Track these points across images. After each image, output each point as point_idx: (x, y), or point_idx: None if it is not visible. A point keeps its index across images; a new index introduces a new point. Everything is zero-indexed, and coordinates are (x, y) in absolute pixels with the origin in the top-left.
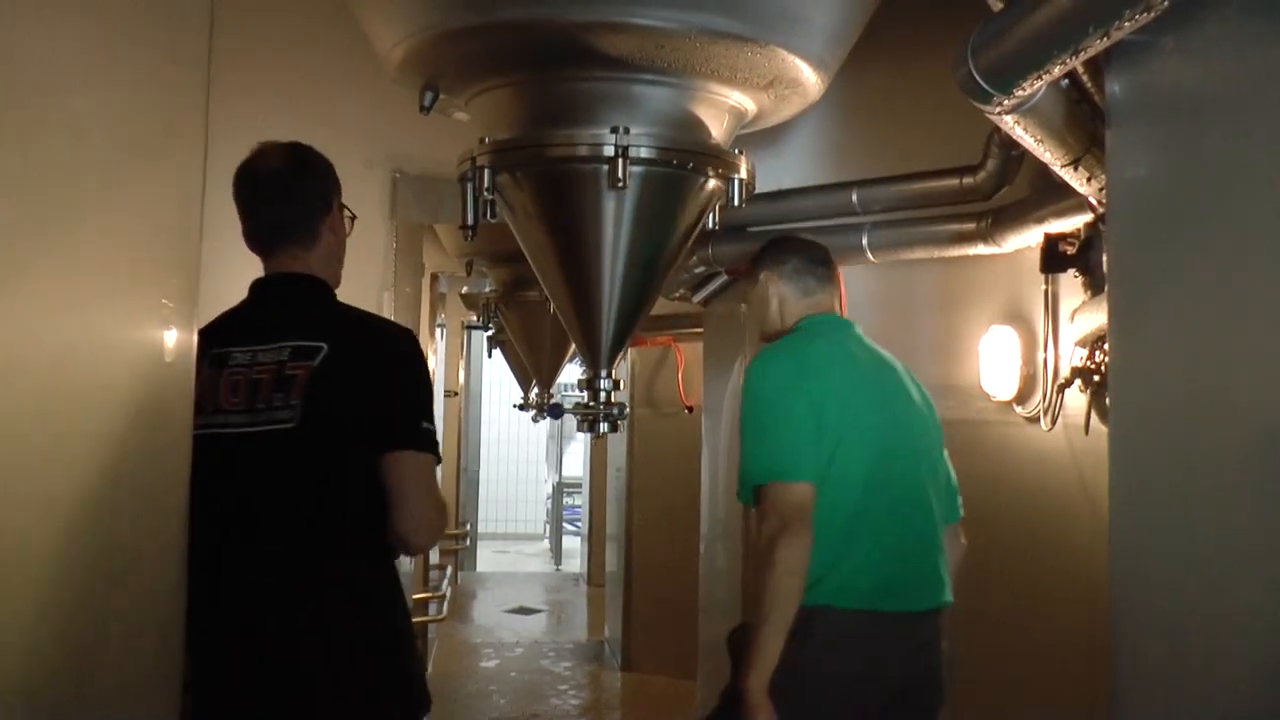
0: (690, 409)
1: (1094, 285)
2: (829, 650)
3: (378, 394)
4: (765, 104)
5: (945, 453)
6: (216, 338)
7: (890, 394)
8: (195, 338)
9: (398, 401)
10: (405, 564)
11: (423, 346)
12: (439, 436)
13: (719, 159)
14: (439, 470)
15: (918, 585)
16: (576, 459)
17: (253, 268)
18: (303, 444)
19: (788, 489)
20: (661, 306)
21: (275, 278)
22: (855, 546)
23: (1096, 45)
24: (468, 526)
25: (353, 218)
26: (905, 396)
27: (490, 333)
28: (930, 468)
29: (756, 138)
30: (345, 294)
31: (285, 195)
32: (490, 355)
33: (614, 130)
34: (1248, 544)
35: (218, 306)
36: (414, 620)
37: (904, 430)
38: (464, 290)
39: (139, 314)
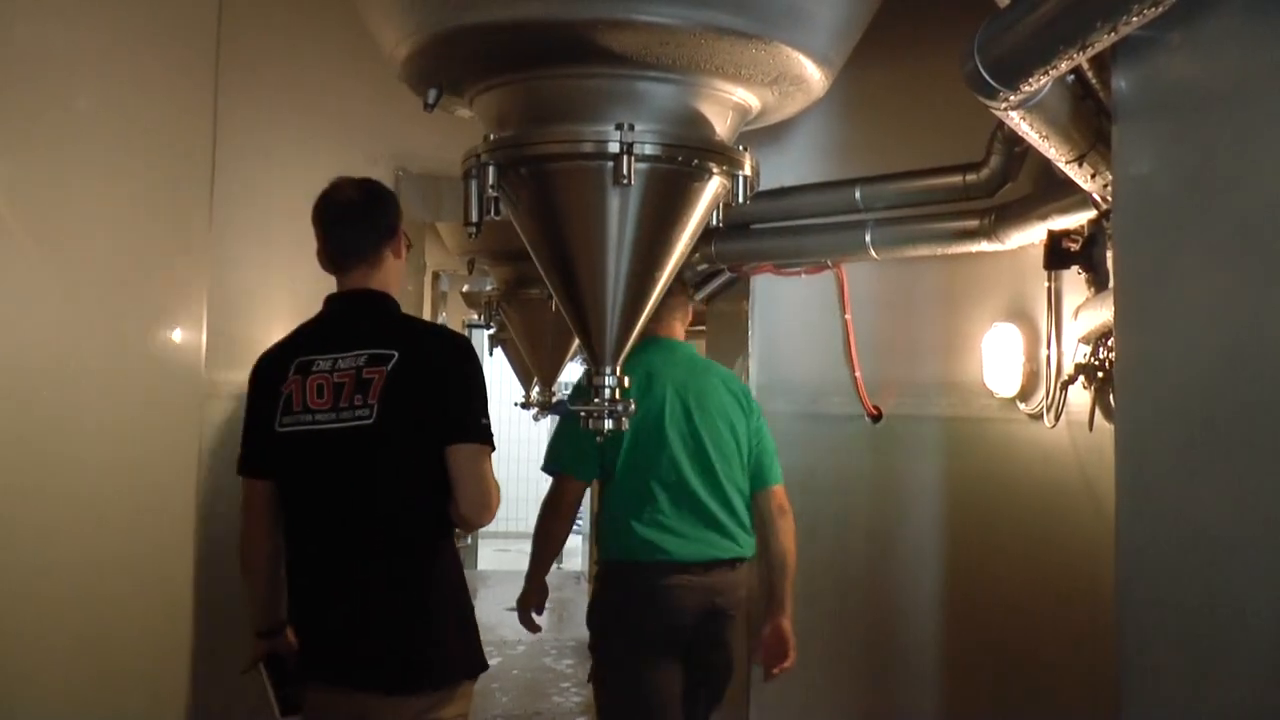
0: None
1: (1097, 282)
2: (639, 596)
3: (440, 394)
4: (769, 100)
5: (761, 431)
6: (300, 348)
7: (690, 395)
8: (204, 336)
9: (457, 401)
10: None
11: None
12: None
13: (723, 155)
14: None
15: (706, 542)
16: None
17: (265, 267)
18: (379, 437)
19: (562, 480)
20: None
21: (349, 294)
22: (656, 517)
23: (1104, 41)
24: None
25: (409, 245)
26: (707, 397)
27: (491, 331)
28: (732, 450)
29: (760, 135)
30: None
31: (357, 222)
32: (491, 354)
33: (618, 127)
34: (1254, 541)
35: (226, 305)
36: None
37: (697, 426)
38: (465, 288)
39: (146, 313)
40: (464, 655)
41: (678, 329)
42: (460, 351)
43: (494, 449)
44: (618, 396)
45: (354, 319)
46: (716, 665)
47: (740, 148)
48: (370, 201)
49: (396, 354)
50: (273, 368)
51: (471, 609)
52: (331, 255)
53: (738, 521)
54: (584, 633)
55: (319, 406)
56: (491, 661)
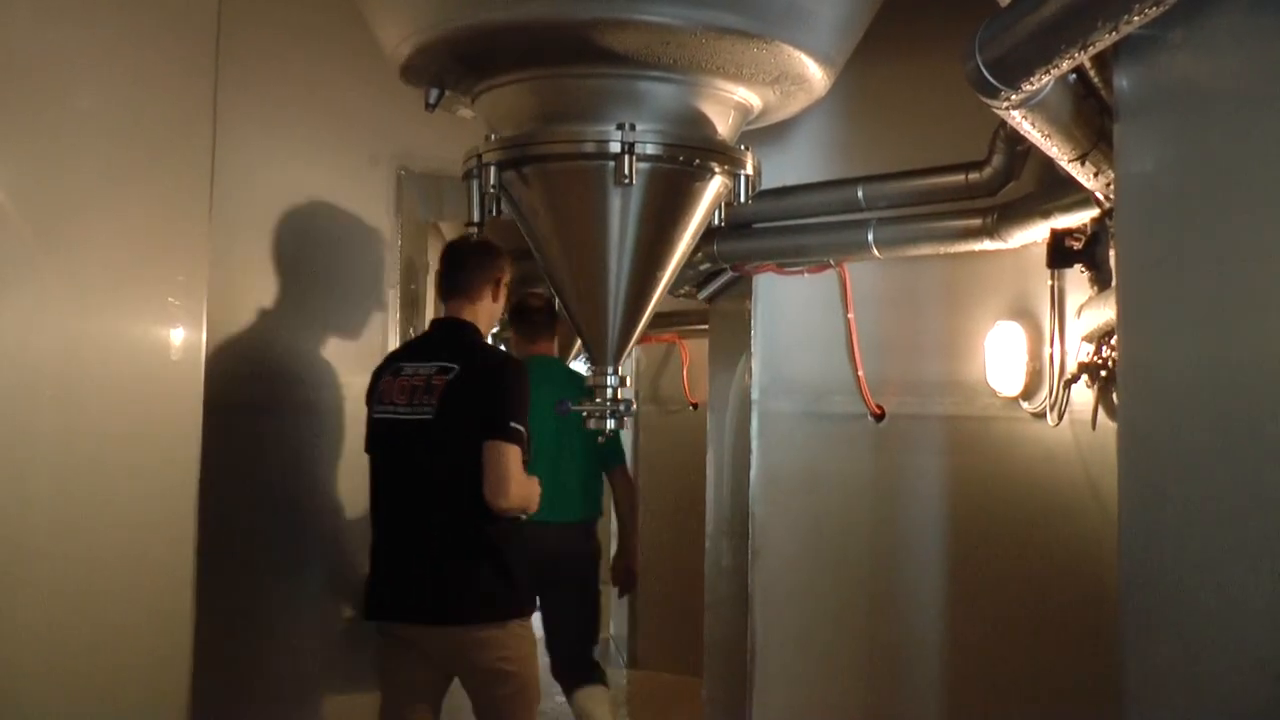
0: (695, 406)
1: (1100, 280)
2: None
3: (480, 400)
4: (771, 100)
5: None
6: (399, 357)
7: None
8: (204, 336)
9: (491, 406)
10: None
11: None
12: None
13: (725, 155)
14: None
15: (572, 508)
16: None
17: (266, 267)
18: (435, 429)
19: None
20: (666, 303)
21: (445, 320)
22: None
23: (1105, 40)
24: None
25: (509, 292)
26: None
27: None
28: (593, 445)
29: (762, 134)
30: (349, 292)
31: (462, 268)
32: None
33: (620, 127)
34: (1258, 540)
35: (228, 304)
36: None
37: (574, 425)
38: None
39: (146, 313)
40: (497, 601)
41: (551, 348)
42: (504, 369)
43: (522, 448)
44: (620, 396)
45: (441, 339)
46: (585, 587)
47: (742, 147)
48: (478, 254)
49: (457, 367)
50: (380, 370)
51: (511, 565)
52: (441, 289)
53: (589, 492)
54: None
55: (400, 402)
56: None
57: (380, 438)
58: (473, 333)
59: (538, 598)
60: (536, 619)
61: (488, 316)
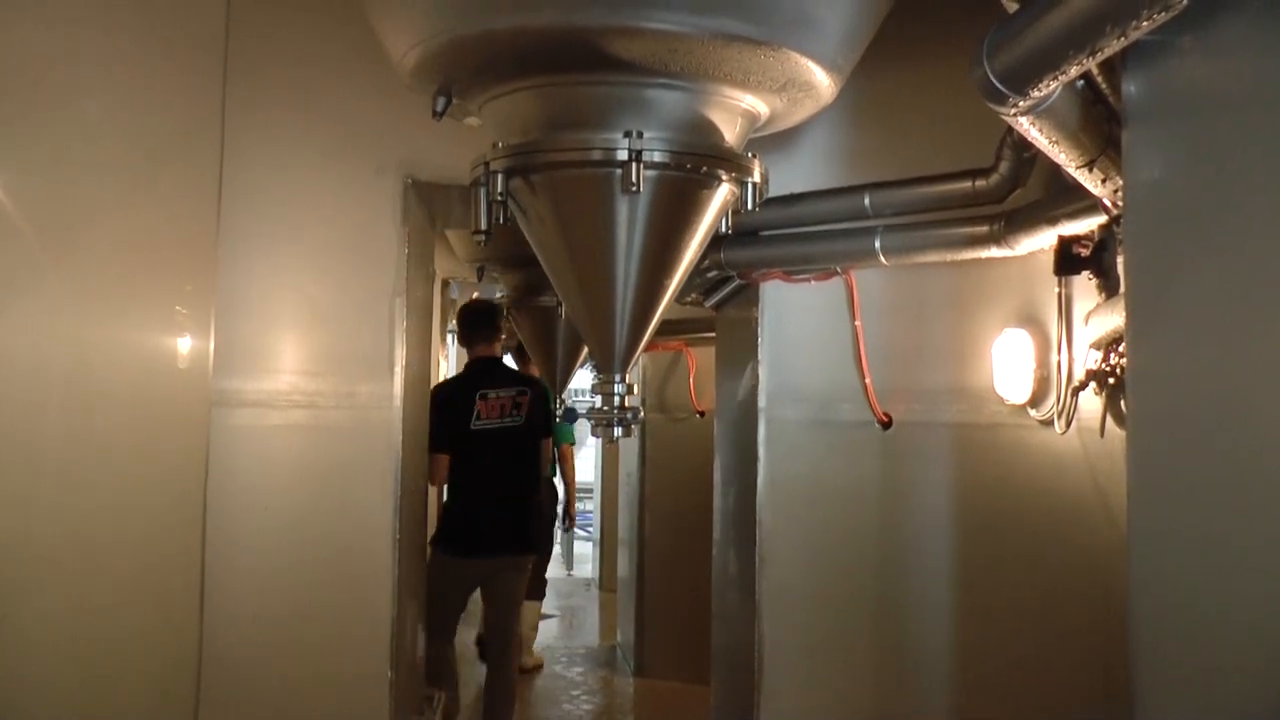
0: (702, 414)
1: (1108, 287)
2: None
3: (543, 412)
4: (778, 107)
5: None
6: (474, 385)
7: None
8: (212, 344)
9: (547, 415)
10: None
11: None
12: None
13: (732, 163)
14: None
15: None
16: (587, 464)
17: (273, 275)
18: (523, 432)
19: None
20: (673, 311)
21: (485, 359)
22: None
23: (1113, 45)
24: None
25: (508, 332)
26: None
27: (502, 338)
28: None
29: (769, 141)
30: (357, 300)
31: (483, 322)
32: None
33: (627, 134)
34: (1268, 547)
35: (235, 312)
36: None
37: None
38: (475, 295)
39: (154, 322)
40: (537, 538)
41: (492, 349)
42: (548, 390)
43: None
44: (627, 404)
45: (495, 372)
46: None
47: (749, 154)
48: (492, 311)
49: (529, 390)
50: (459, 393)
51: (546, 514)
52: (467, 338)
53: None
54: (595, 639)
55: (493, 416)
56: None
57: (483, 441)
58: (505, 365)
59: None
60: None
61: (501, 351)
